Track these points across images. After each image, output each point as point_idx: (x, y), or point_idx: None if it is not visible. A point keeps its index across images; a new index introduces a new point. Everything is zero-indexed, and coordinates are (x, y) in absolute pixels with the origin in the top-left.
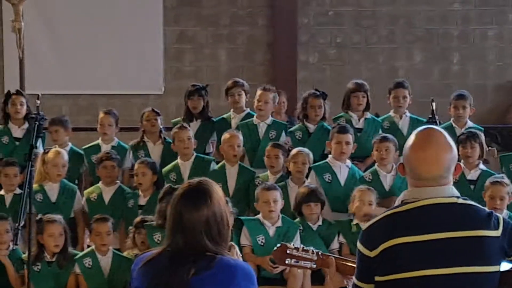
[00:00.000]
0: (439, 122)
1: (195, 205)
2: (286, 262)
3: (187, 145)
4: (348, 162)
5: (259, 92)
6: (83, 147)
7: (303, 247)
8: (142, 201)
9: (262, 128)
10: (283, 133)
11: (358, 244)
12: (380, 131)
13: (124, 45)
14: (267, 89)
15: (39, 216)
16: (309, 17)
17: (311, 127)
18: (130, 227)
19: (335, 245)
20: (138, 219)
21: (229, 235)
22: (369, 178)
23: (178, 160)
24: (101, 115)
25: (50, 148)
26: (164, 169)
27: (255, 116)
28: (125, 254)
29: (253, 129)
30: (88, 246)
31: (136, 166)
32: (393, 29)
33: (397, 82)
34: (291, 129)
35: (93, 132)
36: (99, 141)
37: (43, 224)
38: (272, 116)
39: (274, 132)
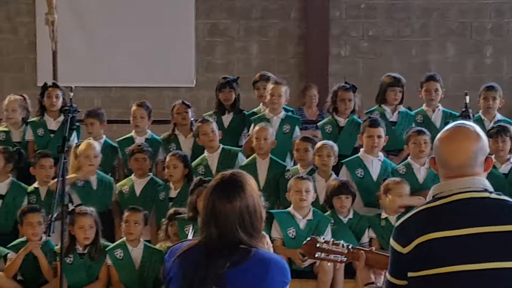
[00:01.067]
0: (472, 116)
1: (228, 197)
2: (316, 255)
3: (211, 138)
4: (381, 155)
5: (270, 86)
6: (117, 139)
7: (333, 241)
8: (173, 193)
9: (275, 123)
10: (297, 127)
11: (391, 241)
12: (413, 125)
13: (156, 38)
14: (279, 83)
15: (72, 207)
16: (341, 10)
17: (341, 120)
18: (163, 219)
19: (365, 239)
20: (171, 211)
21: (262, 227)
22: (402, 171)
23: (205, 153)
24: (134, 107)
25: (82, 141)
26: (193, 163)
27: (267, 110)
28: (157, 246)
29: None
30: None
31: (167, 159)
32: (426, 22)
33: (429, 75)
34: (320, 123)
35: (125, 124)
36: (133, 133)
37: (75, 216)
38: (302, 110)
39: (288, 127)
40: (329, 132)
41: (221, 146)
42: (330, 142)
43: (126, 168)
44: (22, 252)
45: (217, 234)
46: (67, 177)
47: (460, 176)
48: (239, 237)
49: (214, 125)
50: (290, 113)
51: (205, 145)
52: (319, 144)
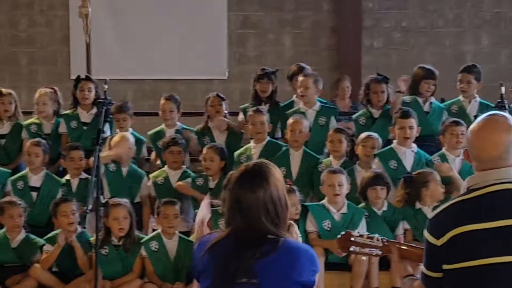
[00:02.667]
0: (508, 107)
1: (251, 188)
2: (351, 249)
3: (259, 129)
4: (414, 146)
5: (300, 78)
6: (148, 133)
7: (367, 234)
8: (212, 184)
9: (310, 115)
10: (333, 118)
11: (425, 233)
12: (445, 116)
13: (188, 30)
14: (307, 75)
15: (104, 199)
16: (374, 1)
17: (375, 112)
18: (196, 210)
19: (400, 231)
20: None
21: (288, 216)
22: (437, 162)
23: (251, 143)
24: (162, 101)
25: (116, 133)
26: (236, 153)
27: (301, 104)
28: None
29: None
30: (153, 230)
31: (204, 151)
32: (459, 13)
33: (464, 67)
34: (355, 115)
35: (157, 117)
36: (163, 126)
37: (109, 207)
38: (335, 102)
39: (324, 118)
40: (363, 124)
41: (268, 138)
42: (376, 135)
43: (160, 161)
44: (58, 246)
45: (243, 224)
46: (102, 155)
47: (493, 168)
48: (265, 227)
49: (266, 117)
50: (325, 105)
51: (253, 135)
52: (364, 135)
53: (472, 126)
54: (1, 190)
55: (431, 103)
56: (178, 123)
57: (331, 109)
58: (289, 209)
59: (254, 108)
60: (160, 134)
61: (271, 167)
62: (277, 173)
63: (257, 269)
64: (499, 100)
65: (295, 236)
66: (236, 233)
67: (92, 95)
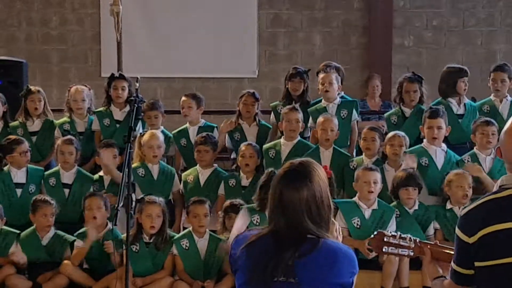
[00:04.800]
0: None
1: (295, 186)
2: (384, 250)
3: (293, 127)
4: (444, 146)
5: (321, 75)
6: (172, 132)
7: (400, 235)
8: (245, 182)
9: (332, 110)
10: (354, 110)
11: (457, 230)
12: (478, 115)
13: (219, 29)
14: (329, 71)
15: (141, 196)
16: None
17: (407, 111)
18: (219, 212)
19: (431, 230)
20: (227, 203)
21: (330, 217)
22: (468, 161)
23: (282, 139)
24: (183, 98)
25: (146, 131)
26: (265, 146)
27: (323, 99)
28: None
29: (324, 112)
30: (184, 228)
31: (243, 148)
32: (491, 12)
33: (496, 65)
34: (387, 114)
35: None
36: (187, 124)
37: (143, 204)
38: (365, 101)
39: (345, 111)
40: (395, 123)
41: (299, 138)
42: (402, 133)
43: (184, 159)
44: (88, 242)
45: (285, 223)
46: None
47: None
48: (306, 226)
49: (300, 116)
50: (344, 98)
51: (286, 132)
52: (391, 133)
53: (506, 126)
54: (36, 188)
55: (465, 103)
56: (202, 120)
57: (351, 101)
58: (332, 209)
59: (290, 106)
60: (183, 133)
61: (316, 166)
62: (321, 172)
63: (296, 268)
64: None
65: (336, 234)
66: (276, 231)
67: (126, 93)
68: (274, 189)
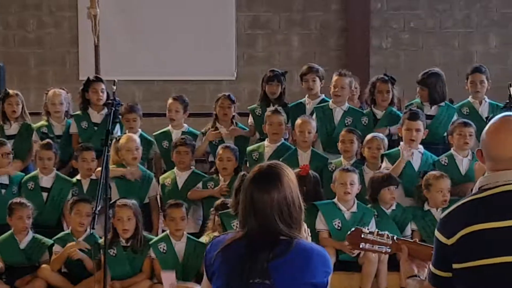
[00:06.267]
0: None
1: (265, 189)
2: (361, 246)
3: (276, 130)
4: (421, 147)
5: (335, 77)
6: (154, 133)
7: (377, 231)
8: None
9: (338, 114)
10: (360, 120)
11: (436, 232)
12: (456, 117)
13: (197, 31)
14: (343, 74)
15: (113, 200)
16: (382, 1)
17: (379, 113)
18: (211, 209)
19: (408, 231)
20: (218, 202)
21: (302, 218)
22: (445, 162)
23: (266, 142)
24: (170, 101)
25: (121, 136)
26: (249, 148)
27: (331, 101)
28: (205, 236)
29: (329, 114)
30: (163, 231)
31: (220, 151)
32: (468, 13)
33: (475, 67)
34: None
35: (166, 117)
36: (169, 127)
37: (115, 208)
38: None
39: (351, 119)
40: (365, 124)
41: (282, 140)
42: (381, 135)
43: (165, 162)
44: (65, 253)
45: (257, 225)
46: (113, 168)
47: (508, 168)
48: (278, 228)
49: (283, 119)
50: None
51: (269, 135)
52: (369, 136)
53: (488, 127)
54: (18, 190)
55: (439, 106)
56: (185, 125)
57: (359, 111)
58: (303, 210)
59: (273, 108)
60: (165, 135)
61: (285, 168)
62: (290, 174)
63: (270, 270)
64: (508, 101)
65: (305, 234)
66: (249, 234)
67: (105, 96)
68: (245, 192)
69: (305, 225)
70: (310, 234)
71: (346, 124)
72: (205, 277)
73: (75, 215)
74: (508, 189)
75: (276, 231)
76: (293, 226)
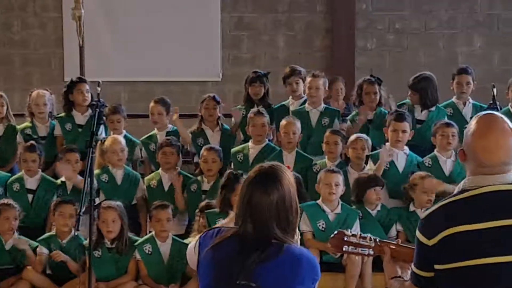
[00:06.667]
0: (500, 108)
1: (266, 190)
2: (344, 249)
3: (260, 132)
4: (406, 148)
5: (308, 79)
6: (141, 139)
7: (360, 234)
8: (206, 186)
9: (314, 115)
10: (336, 120)
11: (417, 233)
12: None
13: (182, 32)
14: (317, 75)
15: (98, 201)
16: (367, 2)
17: (369, 113)
18: (196, 211)
19: (393, 232)
20: (203, 203)
21: (297, 223)
22: (428, 164)
23: (250, 143)
24: (152, 104)
25: (106, 138)
26: (233, 149)
27: (307, 103)
28: (190, 238)
29: (305, 116)
30: (150, 232)
31: (205, 153)
32: (453, 14)
33: (461, 68)
34: (350, 116)
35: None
36: (155, 130)
37: (100, 209)
38: (329, 103)
39: (327, 119)
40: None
41: (267, 141)
42: (364, 135)
43: (153, 165)
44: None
45: (252, 226)
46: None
47: (492, 173)
48: (273, 231)
49: (266, 120)
50: (329, 106)
51: (253, 136)
52: (353, 137)
53: (472, 129)
54: (3, 193)
55: (429, 111)
56: (169, 126)
57: (335, 111)
58: (299, 215)
59: (256, 110)
60: (151, 139)
61: (285, 170)
62: (290, 177)
63: (258, 272)
64: (491, 102)
65: (297, 238)
66: (242, 234)
67: (89, 96)
68: (244, 191)
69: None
70: (300, 236)
71: (323, 125)
72: (192, 246)
73: (58, 216)
74: (489, 190)
75: (269, 234)
76: (287, 230)
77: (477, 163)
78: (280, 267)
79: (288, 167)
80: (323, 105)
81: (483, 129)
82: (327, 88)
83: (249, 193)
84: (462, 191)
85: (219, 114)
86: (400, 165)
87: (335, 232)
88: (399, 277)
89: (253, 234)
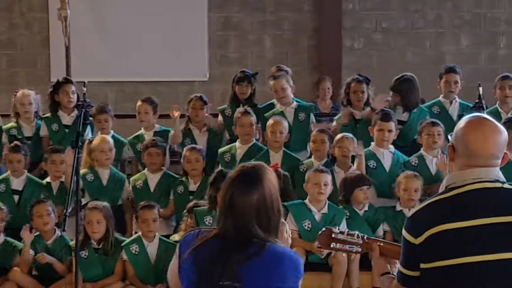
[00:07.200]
0: (486, 107)
1: (247, 189)
2: (331, 246)
3: (248, 132)
4: (391, 147)
5: (271, 82)
6: (128, 139)
7: (348, 231)
8: (192, 187)
9: (289, 113)
10: (311, 114)
11: (403, 231)
12: (428, 116)
13: (169, 32)
14: (277, 77)
15: (84, 201)
16: (354, 2)
17: (357, 113)
18: (184, 212)
19: (380, 232)
20: (191, 204)
21: (280, 222)
22: (415, 163)
23: (237, 143)
24: (139, 103)
25: (94, 137)
26: (221, 150)
27: (278, 104)
28: (176, 235)
29: (282, 116)
30: (136, 233)
31: (187, 153)
32: (440, 13)
33: (449, 67)
34: (337, 116)
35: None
36: (142, 130)
37: (86, 210)
38: (316, 103)
39: (303, 114)
40: (346, 125)
41: (254, 141)
42: (350, 135)
43: (140, 165)
44: (25, 247)
45: (232, 227)
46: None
47: (479, 166)
48: (254, 231)
49: (254, 119)
50: (300, 102)
51: (240, 136)
52: (339, 136)
53: (464, 125)
54: None
55: (411, 112)
56: (157, 126)
57: (308, 105)
58: (281, 214)
59: (242, 110)
60: (138, 138)
61: (267, 170)
62: (272, 176)
63: (241, 272)
64: (477, 101)
65: (286, 235)
66: (223, 234)
67: (75, 97)
68: (225, 191)
69: (287, 226)
70: (290, 235)
71: (300, 121)
72: (174, 263)
73: (36, 217)
74: (474, 188)
75: (250, 234)
76: (269, 230)
77: (467, 153)
78: (263, 266)
79: (276, 164)
80: (295, 103)
81: (475, 124)
82: (292, 83)
83: (229, 193)
84: (448, 189)
85: (207, 114)
86: (387, 164)
87: (323, 229)
88: (389, 273)
89: (233, 234)
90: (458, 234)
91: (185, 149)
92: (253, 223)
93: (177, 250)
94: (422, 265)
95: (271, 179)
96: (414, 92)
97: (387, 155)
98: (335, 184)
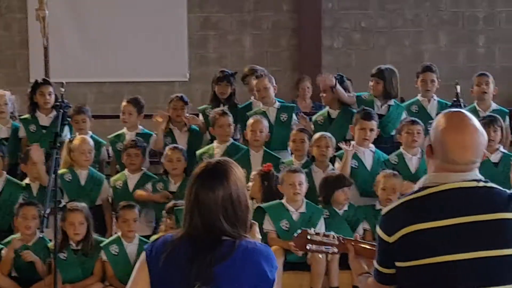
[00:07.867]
0: (464, 105)
1: (211, 186)
2: (307, 247)
3: (227, 132)
4: (372, 146)
5: (254, 81)
6: (109, 136)
7: (323, 233)
8: (173, 187)
9: (272, 113)
10: (293, 114)
11: (377, 229)
12: (404, 115)
13: (149, 32)
14: (260, 75)
15: (63, 203)
16: (333, 1)
17: (333, 112)
18: (163, 212)
19: (360, 231)
20: (170, 204)
21: (248, 217)
22: (394, 161)
23: (214, 143)
24: (123, 103)
25: (74, 137)
26: (199, 151)
27: (261, 104)
28: (155, 236)
29: (264, 115)
30: (116, 234)
31: (169, 152)
32: (418, 12)
33: (425, 66)
34: (314, 116)
35: (119, 119)
36: (124, 129)
37: (66, 212)
38: (296, 102)
39: (285, 115)
40: (321, 123)
41: (231, 140)
42: (329, 134)
43: (119, 164)
44: (10, 249)
45: (201, 224)
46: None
47: (458, 171)
48: (222, 227)
49: (231, 119)
50: (283, 102)
51: (218, 137)
52: (317, 135)
53: (443, 125)
54: None
55: (389, 106)
56: (140, 126)
57: (290, 105)
58: (250, 210)
59: (220, 110)
60: (120, 138)
61: (233, 165)
62: (238, 172)
63: (215, 274)
64: (455, 99)
65: (257, 236)
66: (192, 234)
67: (52, 98)
68: (190, 189)
69: (257, 226)
70: (260, 237)
71: (282, 121)
72: (142, 279)
73: (21, 218)
74: (449, 188)
75: (219, 230)
76: (237, 225)
77: (445, 159)
78: (236, 264)
79: (270, 165)
80: (278, 103)
81: (457, 126)
82: (274, 84)
83: (194, 190)
84: (423, 188)
85: (187, 114)
86: (368, 163)
87: (299, 231)
88: (367, 273)
89: (202, 232)
90: (432, 234)
91: (167, 148)
92: (220, 220)
93: (144, 266)
94: (398, 264)
95: (237, 174)
96: (396, 80)
97: (368, 154)
98: (313, 183)
